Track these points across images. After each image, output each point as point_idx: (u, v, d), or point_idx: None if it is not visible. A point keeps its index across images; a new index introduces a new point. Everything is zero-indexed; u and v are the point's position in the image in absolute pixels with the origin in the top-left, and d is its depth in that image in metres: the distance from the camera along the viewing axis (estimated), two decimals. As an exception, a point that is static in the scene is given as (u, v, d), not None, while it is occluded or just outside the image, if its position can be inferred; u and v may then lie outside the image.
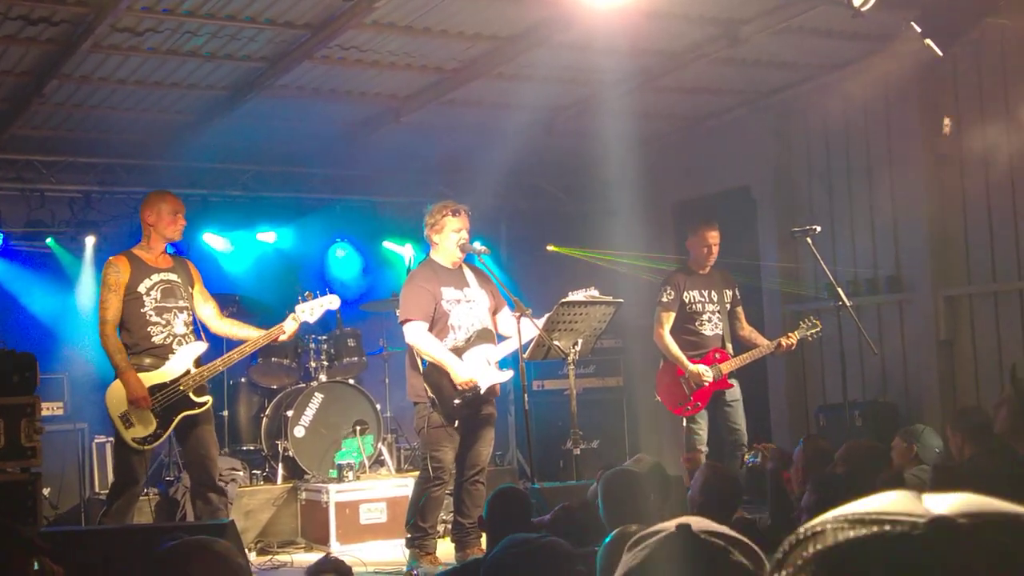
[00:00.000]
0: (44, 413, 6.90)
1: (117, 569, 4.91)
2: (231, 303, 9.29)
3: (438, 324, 6.79)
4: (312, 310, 6.94)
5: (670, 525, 1.63)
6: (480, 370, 6.74)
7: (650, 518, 3.73)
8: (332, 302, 7.04)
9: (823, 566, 0.93)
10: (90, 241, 10.10)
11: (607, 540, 3.28)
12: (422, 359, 6.80)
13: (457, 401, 6.69)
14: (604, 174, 9.99)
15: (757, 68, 8.85)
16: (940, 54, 6.88)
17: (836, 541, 0.93)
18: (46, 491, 8.31)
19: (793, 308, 9.53)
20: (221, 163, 10.28)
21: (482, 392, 6.76)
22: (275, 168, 10.63)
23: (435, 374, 6.72)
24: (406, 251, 11.03)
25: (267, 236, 10.92)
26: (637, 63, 8.42)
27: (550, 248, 11.07)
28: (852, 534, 0.92)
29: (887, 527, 0.91)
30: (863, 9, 6.26)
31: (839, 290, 7.49)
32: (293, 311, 6.89)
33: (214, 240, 10.58)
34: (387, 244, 11.41)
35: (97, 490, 9.16)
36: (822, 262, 7.58)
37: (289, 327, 6.83)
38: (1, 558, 2.97)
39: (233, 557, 2.69)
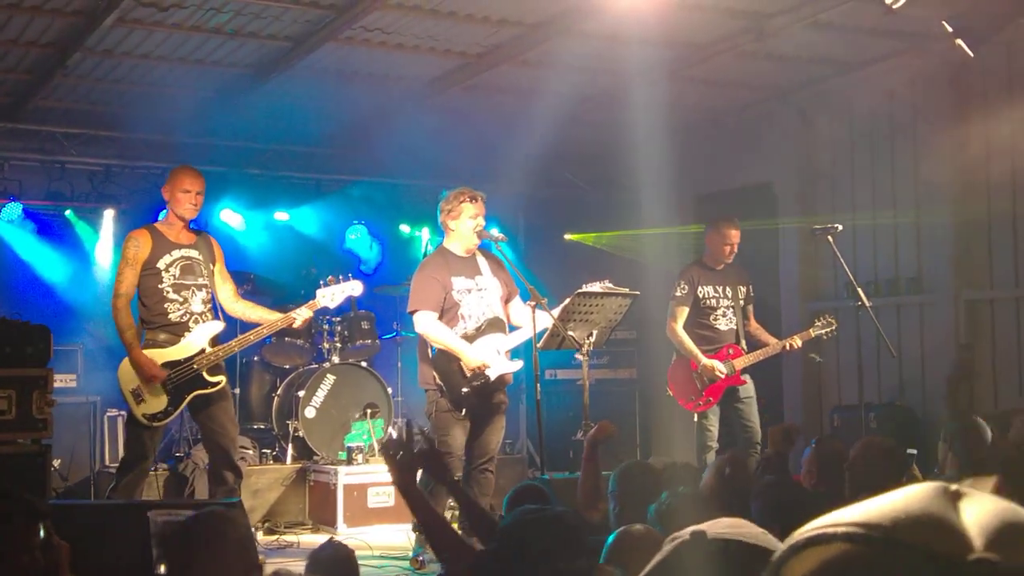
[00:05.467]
0: (57, 385, 6.85)
1: (120, 543, 4.91)
2: (246, 281, 9.30)
3: (448, 313, 6.73)
4: (333, 295, 6.86)
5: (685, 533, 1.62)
6: (490, 358, 6.70)
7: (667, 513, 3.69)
8: (355, 288, 6.96)
9: None
10: (109, 214, 10.14)
11: (610, 539, 3.24)
12: (431, 347, 6.76)
13: (465, 389, 6.64)
14: (626, 165, 9.91)
15: (784, 63, 8.76)
16: (971, 54, 6.79)
17: (842, 555, 0.78)
18: (56, 463, 8.32)
19: (812, 307, 9.44)
20: (242, 141, 10.27)
21: (491, 381, 6.71)
22: (295, 148, 10.62)
23: (443, 362, 6.67)
24: (422, 235, 11.00)
25: (284, 215, 10.91)
26: (664, 54, 8.33)
27: (568, 237, 11.03)
28: (860, 550, 0.78)
29: (912, 553, 0.76)
30: (895, 6, 6.18)
31: (859, 290, 7.39)
32: (314, 297, 6.84)
33: (231, 217, 10.58)
34: (404, 228, 11.38)
35: (107, 463, 9.18)
36: (843, 261, 7.51)
37: (304, 314, 6.77)
38: (10, 525, 2.95)
39: (246, 534, 2.68)
